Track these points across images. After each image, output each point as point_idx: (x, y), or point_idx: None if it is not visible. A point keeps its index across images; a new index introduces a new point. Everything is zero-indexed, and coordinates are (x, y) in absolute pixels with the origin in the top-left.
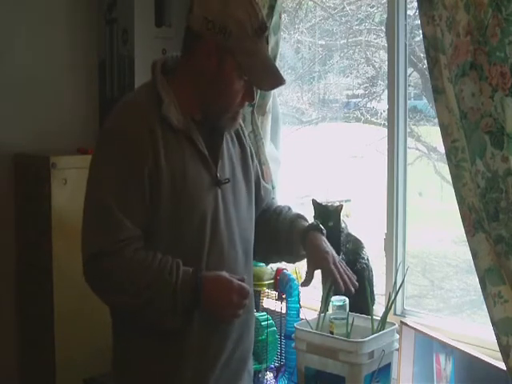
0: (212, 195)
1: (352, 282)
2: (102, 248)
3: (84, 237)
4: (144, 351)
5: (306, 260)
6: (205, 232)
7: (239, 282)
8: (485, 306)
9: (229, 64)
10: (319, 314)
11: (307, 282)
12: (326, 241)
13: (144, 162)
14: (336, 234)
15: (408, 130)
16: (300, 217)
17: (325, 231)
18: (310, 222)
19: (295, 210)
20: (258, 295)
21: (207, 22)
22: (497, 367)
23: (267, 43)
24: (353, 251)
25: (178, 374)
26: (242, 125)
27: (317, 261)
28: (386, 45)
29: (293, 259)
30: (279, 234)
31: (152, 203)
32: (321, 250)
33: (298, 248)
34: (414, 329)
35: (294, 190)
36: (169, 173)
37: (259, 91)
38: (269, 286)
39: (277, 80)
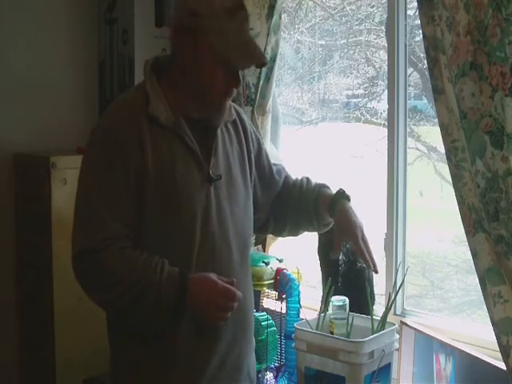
0: (204, 193)
1: (375, 263)
2: (88, 246)
3: (72, 235)
4: (132, 355)
5: (334, 229)
6: (195, 230)
7: (225, 285)
8: (485, 306)
9: (203, 46)
10: (319, 314)
11: (336, 252)
12: (353, 209)
13: (130, 162)
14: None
15: (408, 129)
16: (324, 186)
17: (351, 198)
18: (335, 191)
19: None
20: (257, 295)
21: (178, 6)
22: (497, 367)
23: (245, 21)
24: (353, 251)
25: (167, 377)
26: (244, 116)
27: (347, 233)
28: (386, 45)
29: (321, 228)
30: (306, 205)
31: (140, 202)
32: (351, 222)
33: (326, 216)
34: (414, 329)
35: None
36: (157, 172)
37: (259, 91)
38: (269, 286)
39: (255, 56)
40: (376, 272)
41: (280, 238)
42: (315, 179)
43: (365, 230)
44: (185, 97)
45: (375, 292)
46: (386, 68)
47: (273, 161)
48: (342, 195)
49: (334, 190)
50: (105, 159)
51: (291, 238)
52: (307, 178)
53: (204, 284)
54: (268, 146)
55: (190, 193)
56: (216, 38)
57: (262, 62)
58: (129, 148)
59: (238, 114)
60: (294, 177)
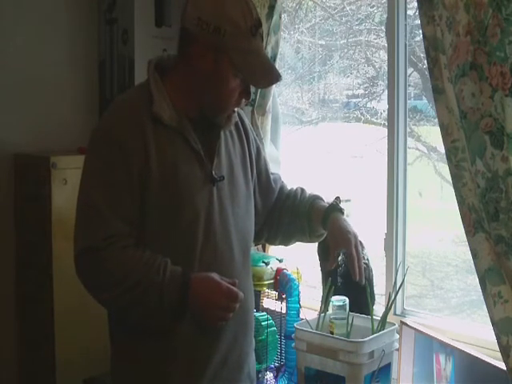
0: (206, 193)
1: (362, 274)
2: (90, 244)
3: (74, 234)
4: (133, 353)
5: (329, 241)
6: (197, 231)
7: (228, 285)
8: (485, 306)
9: (224, 63)
10: (319, 314)
11: (332, 263)
12: (346, 220)
13: (133, 162)
14: None
15: (408, 129)
16: (318, 197)
17: (344, 210)
18: (329, 203)
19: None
20: (257, 295)
21: (201, 22)
22: (497, 367)
23: (262, 39)
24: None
25: (167, 376)
26: (246, 119)
27: (340, 241)
28: (386, 45)
29: (313, 239)
30: (299, 216)
31: (143, 202)
32: (343, 231)
33: (318, 228)
34: (414, 329)
35: None
36: (160, 172)
37: (259, 91)
38: (269, 286)
39: (272, 77)
40: (361, 282)
41: None
42: (310, 190)
43: (358, 239)
44: (190, 98)
45: (375, 292)
46: (386, 68)
47: (272, 162)
48: (335, 208)
49: (327, 202)
50: (106, 159)
51: (282, 246)
52: (302, 189)
53: (207, 284)
54: (268, 145)
55: (193, 193)
56: (238, 58)
57: (278, 81)
58: (130, 148)
59: (240, 117)
60: (288, 187)
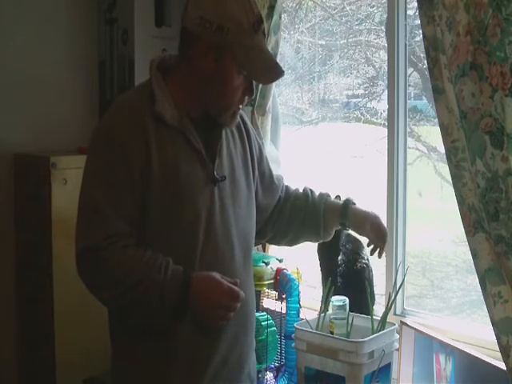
0: (208, 193)
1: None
2: (91, 244)
3: (76, 233)
4: (134, 353)
5: (360, 230)
6: (198, 231)
7: (229, 285)
8: (485, 306)
9: (227, 61)
10: (319, 314)
11: (380, 247)
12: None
13: (133, 162)
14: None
15: (408, 129)
16: (328, 195)
17: (357, 204)
18: (343, 200)
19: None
20: (258, 295)
21: (204, 21)
22: (497, 367)
23: (264, 36)
24: (353, 251)
25: (167, 376)
26: (247, 120)
27: (373, 224)
28: (386, 45)
29: (325, 237)
30: (314, 215)
31: (144, 201)
32: (371, 214)
33: (334, 224)
34: (414, 329)
35: None
36: (162, 171)
37: (259, 91)
38: (269, 286)
39: (276, 73)
40: (379, 256)
41: None
42: (317, 189)
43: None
44: (192, 97)
45: (375, 292)
46: (386, 68)
47: (272, 162)
48: (350, 201)
49: (334, 196)
50: (106, 159)
51: (287, 247)
52: (311, 189)
53: (208, 283)
54: (268, 145)
55: (194, 193)
56: (241, 54)
57: (281, 76)
58: (131, 148)
59: (242, 117)
60: (293, 187)
